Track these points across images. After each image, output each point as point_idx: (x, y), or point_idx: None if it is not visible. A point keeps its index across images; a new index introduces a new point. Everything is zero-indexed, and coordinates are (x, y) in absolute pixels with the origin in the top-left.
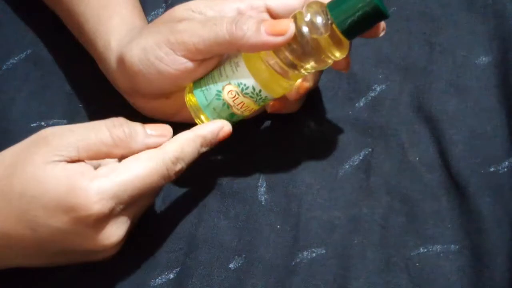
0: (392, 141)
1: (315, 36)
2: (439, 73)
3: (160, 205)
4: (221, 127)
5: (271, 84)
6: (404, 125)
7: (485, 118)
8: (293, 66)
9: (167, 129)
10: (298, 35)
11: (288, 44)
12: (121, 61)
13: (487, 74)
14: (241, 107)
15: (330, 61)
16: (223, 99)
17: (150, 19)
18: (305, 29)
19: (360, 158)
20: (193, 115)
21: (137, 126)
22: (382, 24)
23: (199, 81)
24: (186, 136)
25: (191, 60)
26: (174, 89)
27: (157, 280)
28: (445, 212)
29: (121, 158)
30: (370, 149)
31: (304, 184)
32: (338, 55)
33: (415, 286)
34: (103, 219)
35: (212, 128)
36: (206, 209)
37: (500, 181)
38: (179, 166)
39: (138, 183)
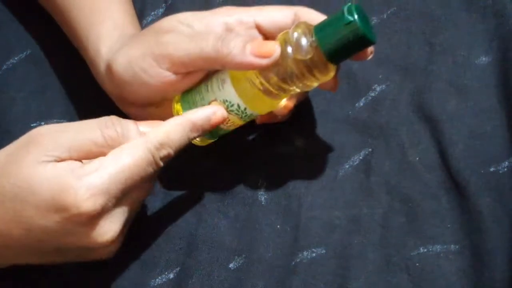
0: (392, 141)
1: (298, 57)
2: (439, 73)
3: (160, 205)
4: (214, 112)
5: (256, 102)
6: (404, 125)
7: (485, 118)
8: (278, 87)
9: (159, 125)
10: (283, 56)
11: (273, 65)
12: (109, 68)
13: (487, 74)
14: (226, 123)
15: (315, 84)
16: None
17: (150, 19)
18: (289, 50)
19: (360, 158)
20: None
21: (129, 124)
22: (370, 48)
23: (186, 94)
24: (173, 121)
25: (175, 73)
26: (160, 99)
27: (157, 280)
28: (445, 212)
29: None
30: (370, 149)
31: (304, 184)
32: (322, 78)
33: (415, 286)
34: (95, 216)
35: (203, 113)
36: (206, 209)
37: (500, 181)
38: (164, 152)
39: (127, 173)
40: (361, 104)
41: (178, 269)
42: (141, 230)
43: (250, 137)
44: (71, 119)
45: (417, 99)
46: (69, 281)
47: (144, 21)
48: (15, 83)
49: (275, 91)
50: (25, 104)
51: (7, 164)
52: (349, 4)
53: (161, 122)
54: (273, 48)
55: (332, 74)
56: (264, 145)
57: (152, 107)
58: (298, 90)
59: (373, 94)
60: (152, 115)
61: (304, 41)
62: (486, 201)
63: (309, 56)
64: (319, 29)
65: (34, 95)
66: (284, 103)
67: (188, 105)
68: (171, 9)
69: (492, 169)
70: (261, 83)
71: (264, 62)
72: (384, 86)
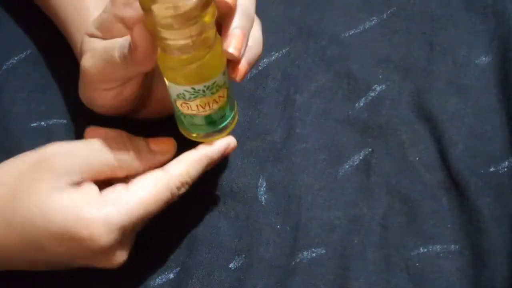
0: (392, 141)
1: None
2: (439, 73)
3: None
4: (228, 144)
5: (184, 76)
6: (404, 125)
7: (485, 118)
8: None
9: (171, 144)
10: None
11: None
12: None
13: (487, 74)
14: (206, 108)
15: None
16: (184, 113)
17: None
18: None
19: (360, 158)
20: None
21: (140, 143)
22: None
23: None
24: (192, 157)
25: (112, 89)
26: (136, 105)
27: (157, 280)
28: (445, 212)
29: (125, 178)
30: (370, 149)
31: (304, 184)
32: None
33: (415, 286)
34: (110, 247)
35: (219, 147)
36: (206, 209)
37: (500, 181)
38: (183, 190)
39: (144, 210)
40: (361, 104)
41: (178, 269)
42: (141, 230)
43: (250, 137)
44: (71, 119)
45: (417, 99)
46: (69, 281)
47: None
48: (15, 83)
49: (186, 40)
50: (25, 104)
51: (19, 186)
52: None
53: (170, 140)
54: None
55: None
56: (264, 145)
57: (143, 109)
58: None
59: (373, 94)
60: (148, 113)
61: None
62: (486, 201)
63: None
64: None
65: (34, 95)
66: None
67: (178, 119)
68: None
69: (492, 169)
70: (168, 47)
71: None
72: (384, 86)
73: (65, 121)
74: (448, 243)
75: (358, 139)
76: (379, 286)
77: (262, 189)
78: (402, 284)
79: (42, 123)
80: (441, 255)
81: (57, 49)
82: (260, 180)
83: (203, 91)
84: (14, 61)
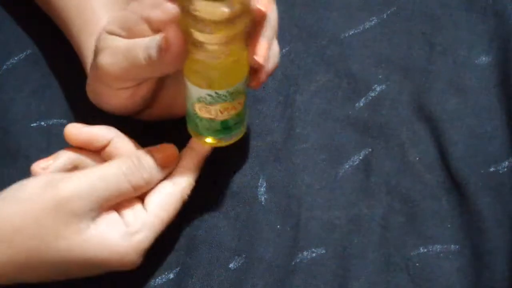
0: (392, 141)
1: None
2: (439, 73)
3: None
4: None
5: (209, 78)
6: (404, 125)
7: (485, 118)
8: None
9: (175, 156)
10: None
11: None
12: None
13: (487, 74)
14: (219, 113)
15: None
16: (201, 116)
17: None
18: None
19: (360, 158)
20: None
21: (151, 163)
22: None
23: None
24: (194, 161)
25: (128, 88)
26: (142, 105)
27: (157, 280)
28: (445, 212)
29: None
30: (370, 149)
31: (304, 184)
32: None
33: (415, 286)
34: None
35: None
36: (206, 209)
37: (500, 181)
38: (190, 193)
39: (164, 226)
40: (361, 104)
41: (178, 269)
42: None
43: (250, 137)
44: (71, 119)
45: (417, 99)
46: (69, 281)
47: None
48: (15, 83)
49: (210, 45)
50: (25, 104)
51: (43, 231)
52: None
53: (170, 146)
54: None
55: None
56: (264, 145)
57: (146, 111)
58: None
59: (373, 94)
60: (150, 115)
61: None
62: (486, 201)
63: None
64: None
65: (34, 95)
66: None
67: (191, 121)
68: None
69: (492, 169)
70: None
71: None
72: (384, 86)
73: (65, 121)
74: (448, 243)
75: (358, 139)
76: (379, 286)
77: (262, 189)
78: (402, 284)
79: (42, 123)
80: (441, 255)
81: (57, 49)
82: (260, 180)
83: (225, 96)
84: (14, 61)
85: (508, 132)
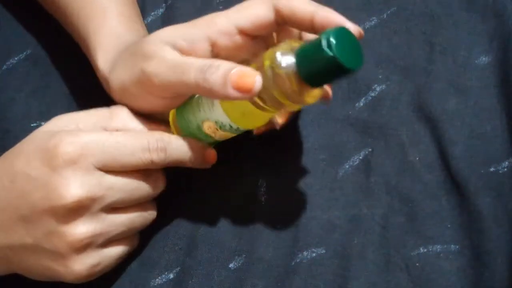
0: (392, 141)
1: (280, 84)
2: (439, 73)
3: (159, 205)
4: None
5: (247, 120)
6: (404, 125)
7: (485, 118)
8: (269, 105)
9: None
10: (267, 79)
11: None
12: (107, 85)
13: (487, 74)
14: (221, 137)
15: (300, 104)
16: (204, 132)
17: (150, 19)
18: (269, 73)
19: (360, 158)
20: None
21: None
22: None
23: (180, 111)
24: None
25: (164, 98)
26: (159, 112)
27: (157, 280)
28: (445, 212)
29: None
30: (370, 149)
31: (304, 184)
32: (307, 100)
33: (415, 286)
34: (71, 160)
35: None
36: (206, 209)
37: (500, 181)
38: (161, 153)
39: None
40: (361, 104)
41: (178, 269)
42: (141, 230)
43: (250, 137)
44: None
45: (417, 99)
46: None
47: (145, 21)
48: (15, 83)
49: (266, 107)
50: (25, 104)
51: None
52: (329, 31)
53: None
54: (253, 81)
55: (316, 94)
56: (264, 145)
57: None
58: (287, 108)
59: (373, 94)
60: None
61: (285, 61)
62: (486, 201)
63: (287, 83)
64: (300, 53)
65: (34, 95)
66: (279, 115)
67: (184, 122)
68: (171, 9)
69: (492, 169)
70: (252, 102)
71: (245, 96)
72: (384, 86)
73: None
74: (448, 243)
75: (358, 139)
76: (379, 286)
77: (262, 189)
78: (402, 284)
79: (42, 123)
80: (441, 255)
81: (57, 49)
82: (260, 180)
83: (236, 130)
84: (14, 61)
85: (508, 132)
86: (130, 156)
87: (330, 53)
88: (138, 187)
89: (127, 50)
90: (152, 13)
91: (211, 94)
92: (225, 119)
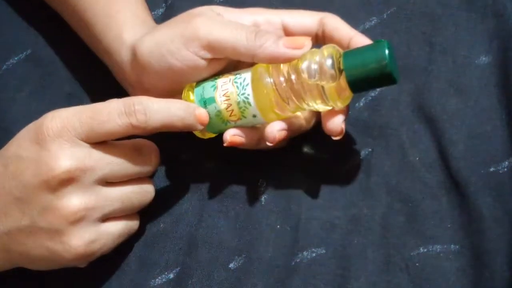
0: (392, 141)
1: (323, 81)
2: (439, 73)
3: (159, 205)
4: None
5: (267, 112)
6: (404, 125)
7: (485, 118)
8: (297, 100)
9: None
10: (303, 74)
11: (291, 81)
12: (133, 52)
13: (487, 74)
14: (230, 115)
15: (328, 107)
16: (219, 107)
17: None
18: (314, 68)
19: (360, 158)
20: None
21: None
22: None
23: (201, 82)
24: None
25: (202, 57)
26: (178, 87)
27: (157, 280)
28: (445, 212)
29: None
30: (370, 149)
31: (304, 184)
32: (339, 103)
33: (415, 286)
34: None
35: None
36: (206, 209)
37: (500, 181)
38: (140, 115)
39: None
40: (361, 104)
41: (178, 269)
42: (141, 230)
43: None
44: None
45: (417, 99)
46: (68, 281)
47: None
48: (15, 83)
49: (287, 105)
50: (25, 104)
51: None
52: (384, 41)
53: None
54: (304, 42)
55: (348, 100)
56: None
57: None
58: (310, 108)
59: (373, 94)
60: None
61: (330, 66)
62: (486, 201)
63: (331, 82)
64: (349, 56)
65: (34, 95)
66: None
67: (201, 90)
68: (171, 9)
69: (492, 169)
70: (276, 89)
71: (296, 52)
72: None
73: None
74: (448, 243)
75: (358, 139)
76: (379, 286)
77: (262, 189)
78: (402, 284)
79: None
80: (441, 255)
81: (57, 49)
82: (260, 180)
83: (252, 118)
84: (14, 61)
85: (508, 132)
86: (106, 123)
87: (386, 60)
88: (129, 160)
89: (168, 21)
90: (152, 13)
91: (259, 52)
92: (252, 101)
